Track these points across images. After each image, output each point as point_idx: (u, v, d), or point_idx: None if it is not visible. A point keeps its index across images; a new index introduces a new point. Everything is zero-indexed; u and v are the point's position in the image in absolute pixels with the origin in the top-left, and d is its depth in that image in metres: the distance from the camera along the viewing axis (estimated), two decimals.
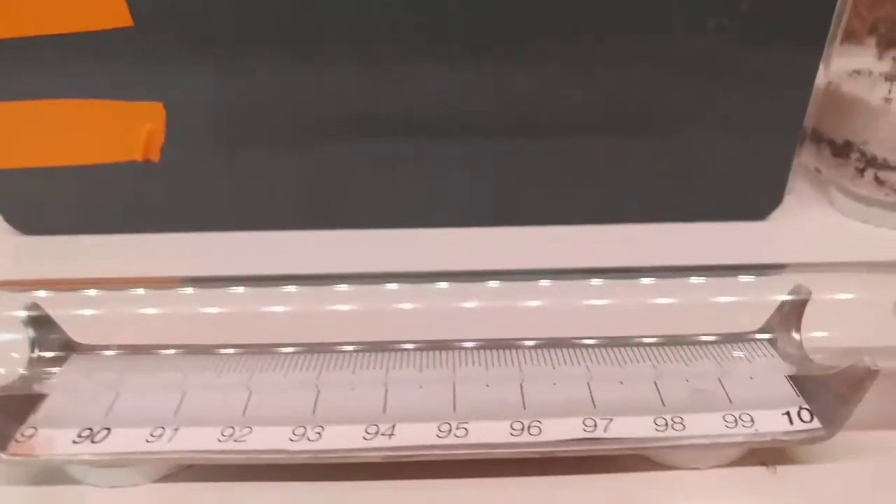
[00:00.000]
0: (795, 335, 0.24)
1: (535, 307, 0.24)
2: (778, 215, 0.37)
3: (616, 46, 0.32)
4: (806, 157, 0.41)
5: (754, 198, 0.36)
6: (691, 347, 0.24)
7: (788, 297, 0.24)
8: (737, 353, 0.24)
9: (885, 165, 0.34)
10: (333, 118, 0.34)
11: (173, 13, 0.32)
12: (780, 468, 0.22)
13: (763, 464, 0.22)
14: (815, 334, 0.24)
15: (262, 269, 0.29)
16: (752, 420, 0.22)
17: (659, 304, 0.24)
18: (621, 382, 0.23)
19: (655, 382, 0.23)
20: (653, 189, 0.35)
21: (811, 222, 0.36)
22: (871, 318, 0.24)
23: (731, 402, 0.23)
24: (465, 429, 0.22)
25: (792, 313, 0.24)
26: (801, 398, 0.23)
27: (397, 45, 0.32)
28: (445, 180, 0.35)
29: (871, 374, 0.21)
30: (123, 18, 0.33)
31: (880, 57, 0.34)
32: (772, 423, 0.22)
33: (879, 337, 0.24)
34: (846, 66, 0.37)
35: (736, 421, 0.22)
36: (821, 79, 0.38)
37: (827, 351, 0.23)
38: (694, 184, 0.35)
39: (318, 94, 0.33)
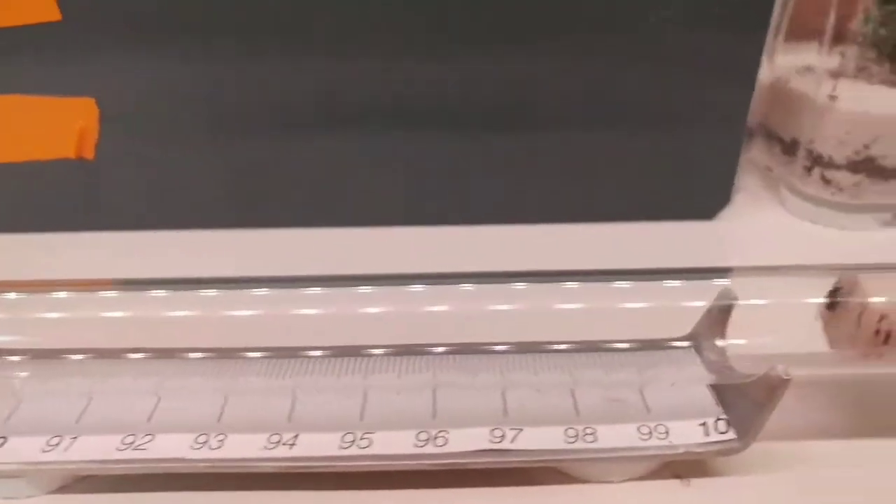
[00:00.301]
0: (719, 342, 0.23)
1: (451, 311, 0.23)
2: (727, 215, 0.36)
3: (553, 41, 0.31)
4: (758, 155, 0.40)
5: (701, 197, 0.35)
6: (612, 355, 0.23)
7: (714, 303, 0.24)
8: (658, 361, 0.23)
9: (831, 164, 0.34)
10: (275, 109, 0.33)
11: (101, 6, 0.31)
12: (695, 481, 0.21)
13: (678, 476, 0.22)
14: (738, 341, 0.23)
15: (188, 271, 0.28)
16: (668, 431, 0.21)
17: (581, 309, 0.24)
18: (538, 391, 0.23)
19: (572, 391, 0.23)
20: (594, 187, 0.35)
21: (760, 223, 0.36)
22: (795, 323, 0.23)
23: (648, 411, 0.22)
24: (370, 439, 0.21)
25: (717, 319, 0.24)
26: (719, 408, 0.22)
27: (345, 32, 0.31)
28: (386, 178, 0.35)
29: (783, 383, 0.20)
30: (51, 12, 0.32)
31: (828, 53, 0.34)
32: (687, 434, 0.21)
33: (803, 343, 0.23)
34: (796, 62, 0.36)
35: (651, 433, 0.21)
36: (769, 74, 0.37)
37: (749, 358, 0.22)
38: (638, 182, 0.35)
39: (257, 85, 0.33)
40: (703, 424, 0.22)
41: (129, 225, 0.36)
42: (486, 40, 0.31)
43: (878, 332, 0.21)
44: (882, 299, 0.21)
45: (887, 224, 0.35)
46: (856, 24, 0.34)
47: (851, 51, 0.35)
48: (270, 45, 0.32)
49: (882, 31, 0.33)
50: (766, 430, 0.21)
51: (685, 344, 0.24)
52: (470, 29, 0.31)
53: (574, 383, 0.23)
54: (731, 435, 0.21)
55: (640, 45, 0.31)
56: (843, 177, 0.34)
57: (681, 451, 0.21)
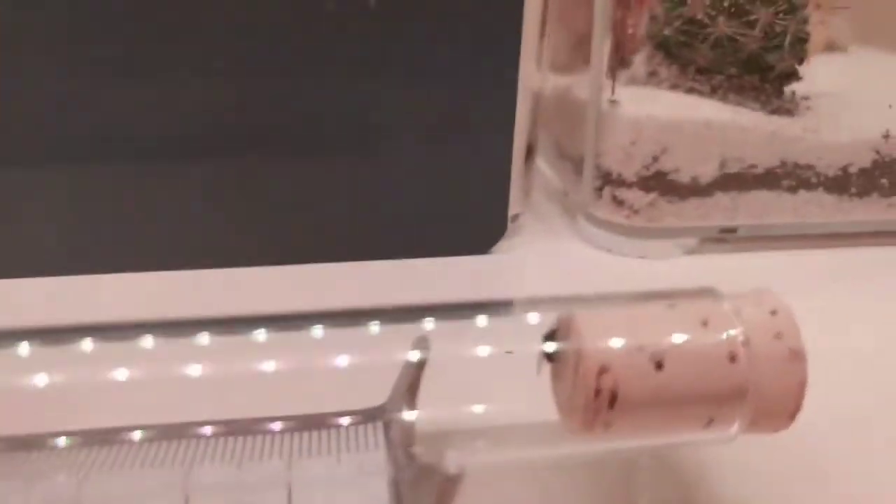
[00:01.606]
0: (408, 414, 0.17)
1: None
2: (509, 247, 0.30)
3: (309, 67, 0.25)
4: (554, 179, 0.34)
5: (471, 228, 0.29)
6: (253, 440, 0.16)
7: (409, 358, 0.17)
8: (326, 447, 0.16)
9: (621, 182, 0.28)
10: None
11: None
12: None
13: None
14: (430, 412, 0.16)
15: None
16: None
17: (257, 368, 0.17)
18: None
19: (187, 496, 0.15)
20: (345, 220, 0.28)
21: (545, 255, 0.30)
22: (511, 382, 0.17)
23: None
24: None
25: (409, 381, 0.17)
26: None
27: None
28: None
29: (451, 483, 0.13)
30: None
31: (607, 57, 0.29)
32: None
33: (525, 410, 0.17)
34: (575, 70, 0.31)
35: None
36: (551, 86, 0.32)
37: (433, 438, 0.16)
38: (399, 216, 0.28)
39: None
40: None
41: None
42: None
43: (598, 391, 0.15)
44: (602, 344, 0.15)
45: (692, 251, 0.29)
46: (642, 28, 0.29)
47: (640, 56, 0.30)
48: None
49: (668, 34, 0.29)
50: None
51: (361, 419, 0.17)
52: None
53: (185, 485, 0.15)
54: None
55: (383, 61, 0.26)
56: (636, 196, 0.28)
57: None
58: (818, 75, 0.30)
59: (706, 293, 0.16)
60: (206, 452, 0.16)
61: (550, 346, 0.16)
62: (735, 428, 0.15)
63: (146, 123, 0.26)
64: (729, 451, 0.18)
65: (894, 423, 0.21)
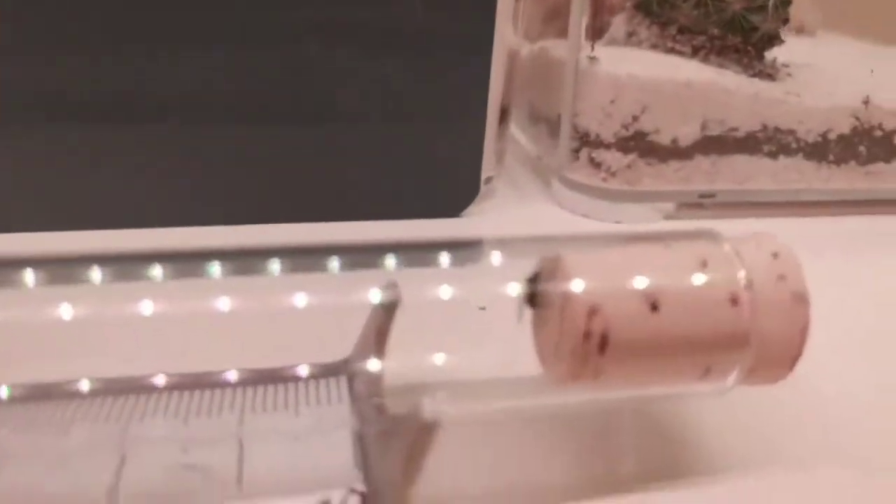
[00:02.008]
0: (374, 365, 0.15)
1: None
2: (481, 210, 0.29)
3: (284, 34, 0.24)
4: (528, 144, 0.33)
5: (443, 190, 0.28)
6: (207, 394, 0.15)
7: (376, 304, 0.16)
8: (285, 400, 0.15)
9: (599, 142, 0.27)
10: None
11: None
12: None
13: None
14: (399, 362, 0.15)
15: None
16: None
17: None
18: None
19: (123, 453, 0.14)
20: (316, 182, 0.26)
21: (518, 219, 0.29)
22: (488, 330, 0.15)
23: (240, 485, 0.13)
24: None
25: (376, 329, 0.15)
26: (358, 472, 0.14)
27: None
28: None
29: (427, 431, 0.12)
30: None
31: (587, 13, 0.27)
32: None
33: (499, 360, 0.15)
34: (554, 30, 0.30)
35: None
36: (528, 48, 0.31)
37: (404, 390, 0.14)
38: (371, 177, 0.27)
39: None
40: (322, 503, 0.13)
41: None
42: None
43: (588, 334, 0.13)
44: (592, 284, 0.13)
45: (670, 216, 0.28)
46: None
47: (619, 17, 0.29)
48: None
49: None
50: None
51: (331, 370, 0.15)
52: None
53: (122, 440, 0.14)
54: None
55: (349, 23, 0.24)
56: (614, 158, 0.27)
57: None
58: (795, 50, 0.29)
59: (704, 234, 0.15)
60: (150, 407, 0.14)
61: (534, 289, 0.14)
62: (733, 377, 0.14)
63: (122, 85, 0.24)
64: (715, 408, 0.17)
65: (875, 385, 0.20)
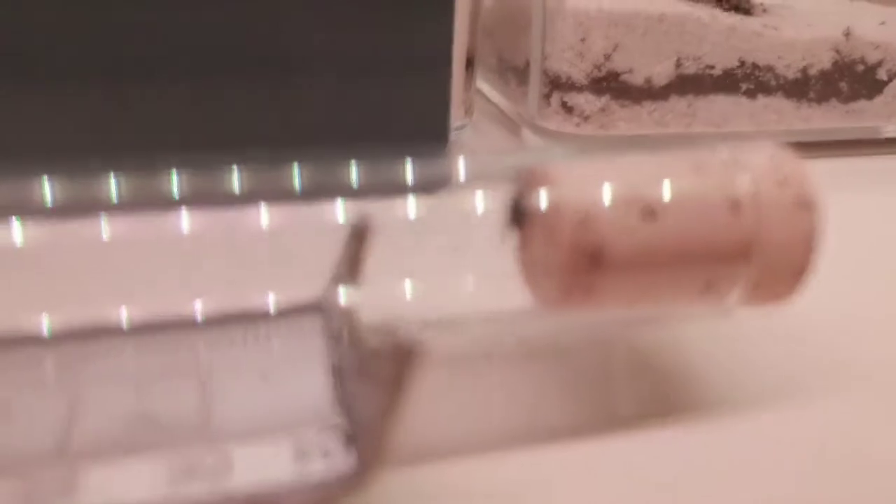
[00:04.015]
0: (349, 296, 0.14)
1: None
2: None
3: None
4: (496, 96, 0.32)
5: (411, 142, 0.26)
6: (172, 333, 0.13)
7: (349, 235, 0.14)
8: (252, 335, 0.14)
9: (571, 85, 0.26)
10: None
11: None
12: None
13: None
14: (374, 294, 0.14)
15: None
16: (229, 465, 0.11)
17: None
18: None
19: (71, 402, 0.12)
20: (277, 138, 0.25)
21: None
22: (470, 253, 0.14)
23: (206, 431, 0.12)
24: None
25: (349, 261, 0.14)
26: (337, 411, 0.12)
27: None
28: None
29: (406, 358, 0.11)
30: None
31: None
32: (267, 466, 0.11)
33: (486, 289, 0.14)
34: None
35: (191, 471, 0.11)
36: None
37: (385, 322, 0.13)
38: (331, 126, 0.26)
39: None
40: (298, 445, 0.12)
41: None
42: None
43: (580, 246, 0.12)
44: (583, 193, 0.12)
45: None
46: None
47: None
48: None
49: None
50: (422, 445, 0.12)
51: (303, 303, 0.14)
52: None
53: (72, 383, 0.12)
54: (343, 458, 0.12)
55: None
56: (587, 101, 0.26)
57: (241, 499, 0.11)
58: None
59: (698, 143, 0.14)
60: (100, 350, 0.13)
61: (518, 206, 0.13)
62: (735, 294, 0.13)
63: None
64: (715, 343, 0.16)
65: (866, 319, 0.19)
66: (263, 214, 0.13)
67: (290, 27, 0.24)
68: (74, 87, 0.23)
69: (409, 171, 0.14)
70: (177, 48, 0.24)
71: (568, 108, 0.26)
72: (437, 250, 0.14)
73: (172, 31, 0.23)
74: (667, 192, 0.12)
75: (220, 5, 0.23)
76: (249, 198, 0.13)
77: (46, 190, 0.12)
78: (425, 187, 0.15)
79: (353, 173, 0.14)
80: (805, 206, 0.13)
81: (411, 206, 0.14)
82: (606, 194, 0.12)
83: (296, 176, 0.13)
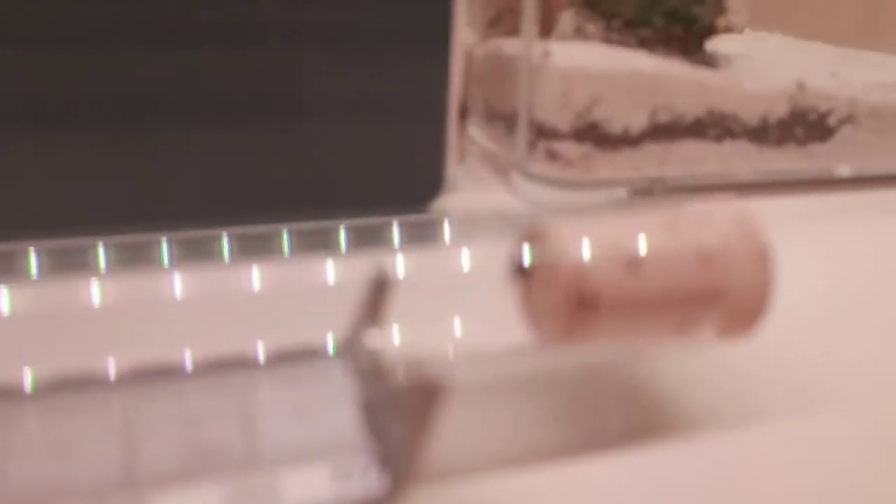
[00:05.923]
0: (375, 339, 0.16)
1: None
2: (443, 205, 0.29)
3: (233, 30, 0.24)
4: (486, 142, 0.34)
5: (407, 187, 0.29)
6: (203, 377, 0.15)
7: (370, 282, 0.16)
8: (286, 377, 0.15)
9: (555, 134, 0.28)
10: None
11: None
12: None
13: None
14: (398, 337, 0.16)
15: None
16: (275, 488, 0.13)
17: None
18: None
19: (126, 437, 0.14)
20: (273, 182, 0.27)
21: (481, 210, 0.30)
22: (480, 302, 0.16)
23: (253, 459, 0.14)
24: None
25: (372, 308, 0.16)
26: (368, 440, 0.14)
27: None
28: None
29: (437, 394, 0.13)
30: None
31: (536, 14, 0.29)
32: (307, 485, 0.13)
33: (493, 331, 0.16)
34: (505, 30, 0.31)
35: (248, 495, 0.13)
36: (481, 47, 0.32)
37: (408, 363, 0.15)
38: (334, 174, 0.28)
39: None
40: (336, 468, 0.14)
41: None
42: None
43: (574, 293, 0.14)
44: (580, 251, 0.14)
45: (623, 203, 0.30)
46: None
47: (567, 14, 0.30)
48: None
49: None
50: (441, 465, 0.14)
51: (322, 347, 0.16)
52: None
53: (127, 421, 0.14)
54: (377, 477, 0.14)
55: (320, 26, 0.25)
56: (570, 148, 0.28)
57: None
58: (730, 44, 0.31)
59: (673, 200, 0.16)
60: (154, 394, 0.15)
61: (525, 257, 0.15)
62: (706, 331, 0.15)
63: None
64: (693, 369, 0.19)
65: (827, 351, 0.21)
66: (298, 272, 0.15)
67: (287, 80, 0.26)
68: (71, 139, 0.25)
69: (409, 229, 0.16)
70: (161, 99, 0.25)
71: (553, 154, 0.29)
72: (446, 298, 0.16)
73: (153, 85, 0.25)
74: (646, 248, 0.14)
75: (216, 57, 0.25)
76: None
77: (101, 254, 0.14)
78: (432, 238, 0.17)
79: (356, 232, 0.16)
80: (762, 258, 0.15)
81: (419, 260, 0.17)
82: (597, 249, 0.14)
83: (285, 243, 0.15)
